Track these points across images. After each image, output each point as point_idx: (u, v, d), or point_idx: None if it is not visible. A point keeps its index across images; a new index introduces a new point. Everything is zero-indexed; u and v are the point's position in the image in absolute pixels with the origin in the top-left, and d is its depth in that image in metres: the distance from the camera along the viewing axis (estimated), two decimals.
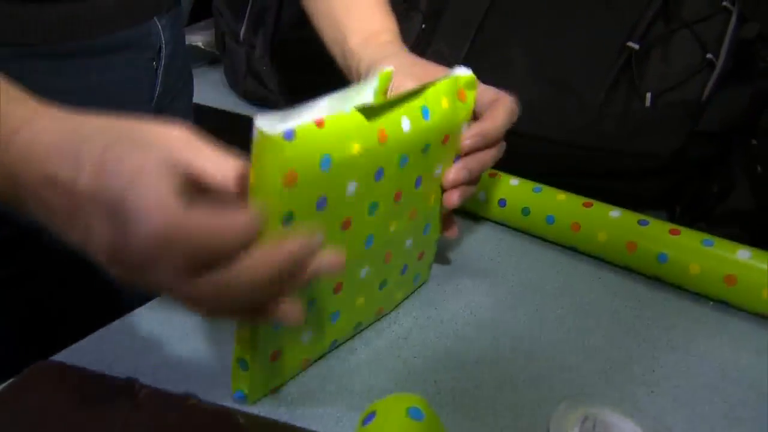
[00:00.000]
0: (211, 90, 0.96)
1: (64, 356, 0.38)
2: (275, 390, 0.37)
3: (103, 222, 0.26)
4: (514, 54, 0.60)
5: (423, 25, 0.74)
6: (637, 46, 0.55)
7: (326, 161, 0.30)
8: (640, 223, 0.46)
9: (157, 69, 0.52)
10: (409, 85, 0.40)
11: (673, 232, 0.45)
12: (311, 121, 0.29)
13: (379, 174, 0.34)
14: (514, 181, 0.53)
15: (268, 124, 0.27)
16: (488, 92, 0.42)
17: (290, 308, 0.29)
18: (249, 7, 0.86)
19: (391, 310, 0.43)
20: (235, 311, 0.29)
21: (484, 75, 0.42)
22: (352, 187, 0.32)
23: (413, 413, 0.29)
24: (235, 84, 0.90)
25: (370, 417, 0.30)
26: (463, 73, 0.39)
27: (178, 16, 0.55)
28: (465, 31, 0.65)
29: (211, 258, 0.25)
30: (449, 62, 0.68)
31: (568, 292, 0.46)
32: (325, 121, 0.30)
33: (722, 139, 0.55)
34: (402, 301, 0.44)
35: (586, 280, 0.47)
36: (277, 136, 0.27)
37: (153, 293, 0.38)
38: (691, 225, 0.54)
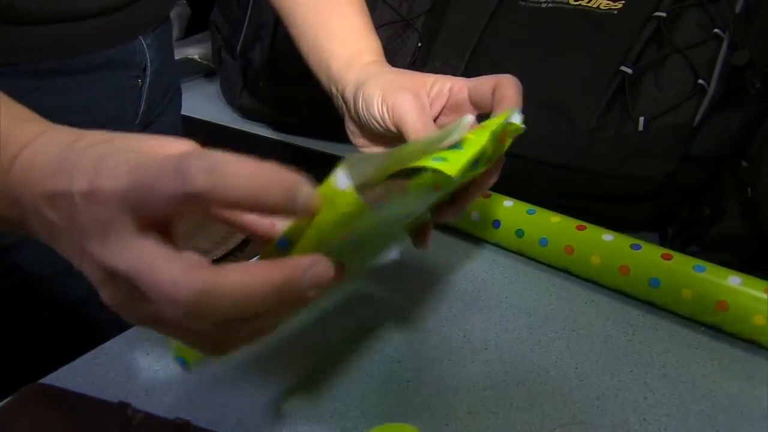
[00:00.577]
0: (206, 103, 0.96)
1: (54, 379, 0.38)
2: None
3: (107, 234, 0.24)
4: None
5: (419, 44, 0.74)
6: (630, 71, 0.56)
7: (385, 219, 0.29)
8: (633, 247, 0.47)
9: (142, 86, 0.52)
10: (405, 99, 0.39)
11: (665, 256, 0.45)
12: (396, 191, 0.27)
13: (407, 215, 0.33)
14: (508, 202, 0.53)
15: (351, 177, 0.24)
16: (485, 84, 0.39)
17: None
18: (246, 22, 0.86)
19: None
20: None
21: None
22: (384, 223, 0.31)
23: None
24: (231, 98, 0.91)
25: None
26: (517, 120, 0.36)
27: (165, 33, 0.55)
28: (460, 52, 0.66)
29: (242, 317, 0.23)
30: None
31: (561, 316, 0.46)
32: (409, 186, 0.28)
33: (714, 163, 0.56)
34: None
35: (579, 303, 0.47)
36: (366, 205, 0.24)
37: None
38: (684, 248, 0.54)
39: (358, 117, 0.43)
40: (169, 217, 0.24)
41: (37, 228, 0.27)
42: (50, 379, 0.38)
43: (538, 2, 0.64)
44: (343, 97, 0.45)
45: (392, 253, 0.53)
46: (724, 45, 0.54)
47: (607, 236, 0.48)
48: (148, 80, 0.52)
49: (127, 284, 0.24)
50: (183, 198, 0.22)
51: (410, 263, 0.52)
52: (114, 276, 0.24)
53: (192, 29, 1.13)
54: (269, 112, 0.85)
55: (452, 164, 0.29)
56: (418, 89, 0.40)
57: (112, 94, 0.49)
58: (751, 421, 0.37)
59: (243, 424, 0.36)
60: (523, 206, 0.52)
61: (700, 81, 0.54)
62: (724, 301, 0.42)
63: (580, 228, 0.49)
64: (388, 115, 0.39)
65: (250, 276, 0.22)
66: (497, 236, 0.53)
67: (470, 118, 0.32)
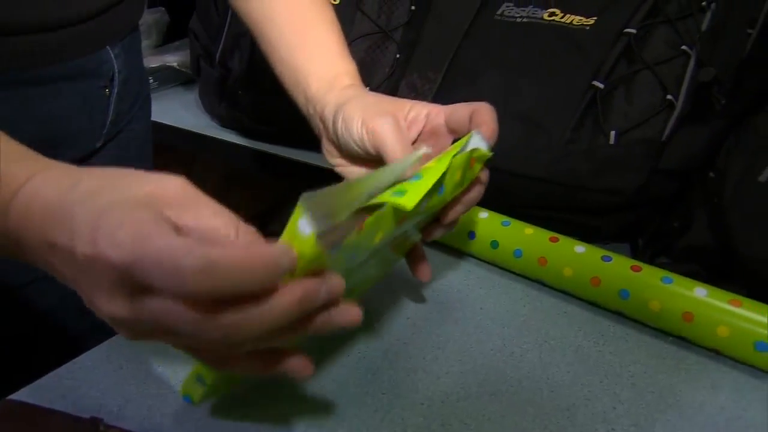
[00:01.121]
0: (184, 111, 0.95)
1: (24, 395, 0.38)
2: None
3: (113, 291, 0.25)
4: (485, 89, 0.62)
5: (398, 55, 0.75)
6: (602, 86, 0.57)
7: (353, 257, 0.30)
8: (604, 259, 0.48)
9: (110, 96, 0.52)
10: (385, 123, 0.40)
11: (634, 268, 0.46)
12: (355, 229, 0.28)
13: (383, 243, 0.34)
14: (483, 213, 0.54)
15: (312, 223, 0.26)
16: (461, 110, 0.41)
17: (299, 363, 0.30)
18: (225, 30, 0.86)
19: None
20: (239, 359, 0.29)
21: None
22: (355, 257, 0.32)
23: None
24: (209, 106, 0.90)
25: None
26: (482, 147, 0.38)
27: (133, 43, 0.55)
28: (438, 64, 0.67)
29: (235, 294, 0.24)
30: (422, 95, 0.70)
31: (534, 326, 0.47)
32: (364, 225, 0.29)
33: (682, 176, 0.57)
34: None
35: (552, 314, 0.48)
36: (320, 249, 0.26)
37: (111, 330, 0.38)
38: (654, 259, 0.56)
39: (337, 138, 0.43)
40: None
41: (41, 265, 0.28)
42: (21, 395, 0.38)
43: (514, 17, 0.65)
44: (321, 118, 0.45)
45: None
46: (692, 62, 0.56)
47: (579, 248, 0.49)
48: (116, 90, 0.52)
49: (126, 276, 0.24)
50: (179, 294, 0.23)
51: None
52: (113, 279, 0.25)
53: (170, 36, 1.12)
54: (248, 121, 0.85)
55: (410, 197, 0.31)
56: (396, 114, 0.41)
57: (80, 103, 0.49)
58: (716, 429, 0.38)
59: None
60: (498, 218, 0.53)
61: (669, 96, 0.56)
62: (690, 312, 0.43)
63: (553, 240, 0.50)
64: (368, 139, 0.40)
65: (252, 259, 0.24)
66: (472, 247, 0.54)
67: (424, 150, 0.35)
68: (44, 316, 0.52)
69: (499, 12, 0.66)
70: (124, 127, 0.56)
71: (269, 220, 1.06)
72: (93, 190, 0.26)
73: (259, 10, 0.49)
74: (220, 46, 0.86)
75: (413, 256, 0.44)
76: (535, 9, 0.64)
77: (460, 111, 0.40)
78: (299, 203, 0.25)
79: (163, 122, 0.90)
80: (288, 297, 0.25)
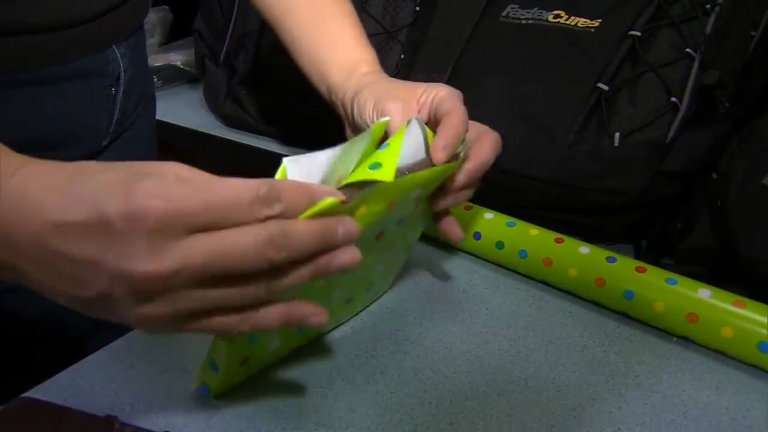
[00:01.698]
0: (188, 110, 0.96)
1: (38, 392, 0.38)
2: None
3: (155, 242, 0.25)
4: (489, 91, 0.62)
5: (402, 56, 0.75)
6: (606, 88, 0.58)
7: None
8: (608, 260, 0.48)
9: (115, 95, 0.52)
10: (394, 106, 0.42)
11: (639, 269, 0.47)
12: (339, 198, 0.30)
13: (375, 230, 0.35)
14: (488, 214, 0.54)
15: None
16: (474, 127, 0.44)
17: (312, 308, 0.31)
18: (230, 30, 0.86)
19: (351, 317, 0.46)
20: (259, 314, 0.30)
21: None
22: None
23: None
24: (214, 106, 0.91)
25: None
26: (419, 132, 0.39)
27: (138, 42, 0.55)
28: (442, 66, 0.67)
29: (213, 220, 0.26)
30: None
31: (539, 327, 0.47)
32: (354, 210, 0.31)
33: (686, 178, 0.58)
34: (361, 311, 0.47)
35: (557, 314, 0.49)
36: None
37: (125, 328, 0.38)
38: (657, 260, 0.56)
39: (354, 124, 0.45)
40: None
41: (29, 267, 0.27)
42: (35, 392, 0.38)
43: (518, 19, 0.65)
44: (342, 105, 0.47)
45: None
46: (696, 64, 0.56)
47: (584, 249, 0.49)
48: (121, 89, 0.52)
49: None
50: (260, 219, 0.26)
51: None
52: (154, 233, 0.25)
53: (174, 35, 1.12)
54: (252, 120, 0.85)
55: (386, 168, 0.33)
56: (408, 98, 0.43)
57: (86, 103, 0.49)
58: (720, 429, 0.38)
59: None
60: (503, 218, 0.54)
61: (673, 99, 0.56)
62: (694, 313, 0.44)
63: (558, 241, 0.51)
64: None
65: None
66: (478, 248, 0.54)
67: (387, 118, 0.38)
68: (44, 316, 0.52)
69: (504, 13, 0.66)
70: (129, 126, 0.56)
71: None
72: (103, 167, 0.27)
73: (278, 4, 0.51)
74: (225, 47, 0.86)
75: (441, 220, 0.46)
76: (541, 11, 0.64)
77: (471, 131, 0.43)
78: (283, 164, 0.27)
79: (168, 121, 0.90)
80: (315, 224, 0.28)
